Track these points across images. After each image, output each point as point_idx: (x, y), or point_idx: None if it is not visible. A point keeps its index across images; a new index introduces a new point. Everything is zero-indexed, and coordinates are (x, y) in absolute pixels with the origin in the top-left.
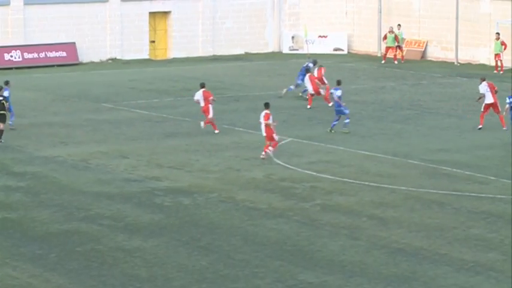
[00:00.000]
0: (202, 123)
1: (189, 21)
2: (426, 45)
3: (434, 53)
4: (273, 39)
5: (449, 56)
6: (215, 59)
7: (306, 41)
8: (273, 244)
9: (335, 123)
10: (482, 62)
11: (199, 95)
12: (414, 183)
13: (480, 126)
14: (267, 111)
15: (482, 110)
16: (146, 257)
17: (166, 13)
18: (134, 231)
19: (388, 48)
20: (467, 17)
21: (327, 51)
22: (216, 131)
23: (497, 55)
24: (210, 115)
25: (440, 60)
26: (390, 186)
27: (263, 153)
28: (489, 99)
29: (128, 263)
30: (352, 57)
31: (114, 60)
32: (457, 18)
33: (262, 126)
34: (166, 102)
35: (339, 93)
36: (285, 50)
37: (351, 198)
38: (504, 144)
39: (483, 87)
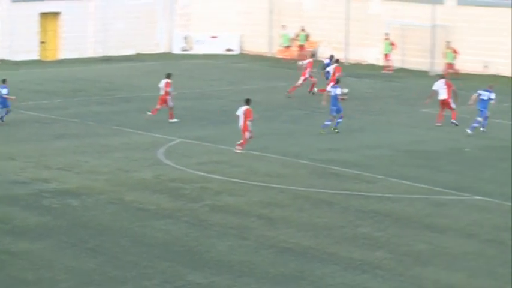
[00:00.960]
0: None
1: (79, 21)
2: (317, 45)
3: (325, 53)
4: (164, 40)
5: (339, 56)
6: (106, 59)
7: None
8: (161, 245)
9: (328, 123)
10: (371, 62)
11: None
12: (303, 183)
13: (439, 124)
14: (247, 107)
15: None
16: (33, 260)
17: (56, 14)
18: (21, 234)
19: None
20: (357, 18)
21: (218, 52)
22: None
23: (386, 55)
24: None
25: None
26: (279, 186)
27: (239, 147)
28: (442, 95)
29: (14, 265)
30: (244, 57)
31: (2, 61)
32: (347, 18)
33: (241, 121)
34: (55, 104)
35: (338, 91)
36: (176, 51)
37: (240, 199)
38: (392, 143)
39: (438, 84)
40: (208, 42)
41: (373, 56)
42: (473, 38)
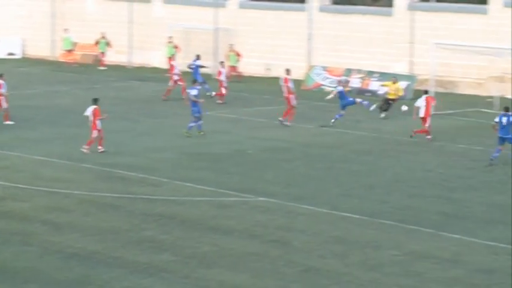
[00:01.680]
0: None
1: None
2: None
3: (109, 57)
4: None
5: (123, 60)
6: None
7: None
8: None
9: (192, 125)
10: (155, 65)
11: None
12: (88, 187)
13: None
14: (95, 106)
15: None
16: None
17: None
18: None
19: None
20: (141, 21)
21: (0, 56)
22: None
23: (170, 58)
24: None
25: (114, 64)
26: (65, 191)
27: (99, 147)
28: (422, 113)
29: None
30: (26, 61)
31: None
32: (130, 22)
33: (91, 120)
34: None
35: (194, 92)
36: None
37: (24, 204)
38: (176, 146)
39: (420, 101)
40: None
41: (157, 59)
42: (256, 41)
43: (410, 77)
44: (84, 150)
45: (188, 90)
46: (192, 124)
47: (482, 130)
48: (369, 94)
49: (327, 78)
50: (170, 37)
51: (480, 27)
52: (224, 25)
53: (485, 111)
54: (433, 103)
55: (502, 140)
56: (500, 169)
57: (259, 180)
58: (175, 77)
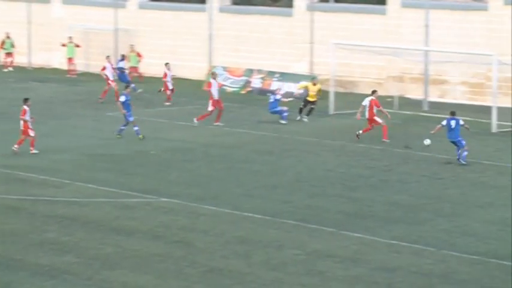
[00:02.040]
0: None
1: None
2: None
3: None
4: None
5: (23, 61)
6: None
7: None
8: None
9: (123, 128)
10: (55, 66)
11: None
12: None
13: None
14: (25, 106)
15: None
16: None
17: None
18: None
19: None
20: (40, 22)
21: None
22: None
23: (70, 59)
24: None
25: (14, 65)
26: None
27: (16, 146)
28: (365, 114)
29: None
30: None
31: None
32: (29, 22)
33: (21, 122)
34: None
35: (122, 98)
36: None
37: None
38: (78, 147)
39: (366, 101)
40: None
41: (57, 60)
42: (156, 42)
43: (310, 77)
44: (14, 149)
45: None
46: (123, 128)
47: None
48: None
49: (228, 78)
50: (70, 37)
51: (379, 28)
52: (124, 25)
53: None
54: (376, 106)
55: (453, 143)
56: (400, 168)
57: (161, 181)
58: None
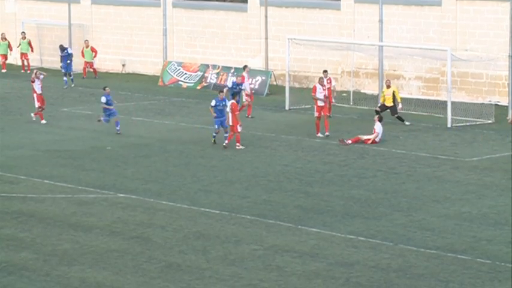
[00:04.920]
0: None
1: None
2: None
3: None
4: None
5: None
6: None
7: None
8: None
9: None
10: (10, 61)
11: None
12: None
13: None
14: None
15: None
16: None
17: None
18: None
19: None
20: None
21: None
22: None
23: (23, 54)
24: None
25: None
26: None
27: None
28: (320, 103)
29: None
30: None
31: None
32: None
33: None
34: None
35: (103, 99)
36: None
37: None
38: (33, 143)
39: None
40: None
41: (11, 55)
42: (111, 37)
43: (265, 72)
44: None
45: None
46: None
47: (338, 125)
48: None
49: (183, 74)
50: (23, 33)
51: (334, 23)
52: (78, 21)
53: (340, 106)
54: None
55: None
56: (357, 163)
57: (118, 176)
58: None
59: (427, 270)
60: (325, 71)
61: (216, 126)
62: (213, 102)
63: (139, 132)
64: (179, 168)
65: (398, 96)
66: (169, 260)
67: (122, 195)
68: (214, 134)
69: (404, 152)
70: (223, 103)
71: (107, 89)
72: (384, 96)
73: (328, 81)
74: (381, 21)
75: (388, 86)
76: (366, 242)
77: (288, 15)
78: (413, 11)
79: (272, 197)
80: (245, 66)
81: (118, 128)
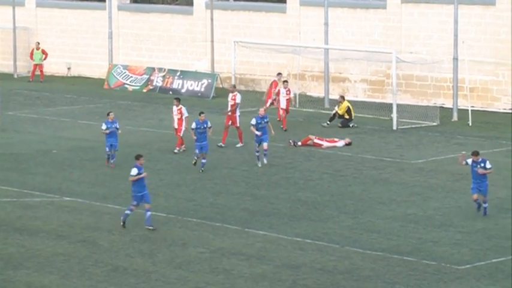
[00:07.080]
0: None
1: None
2: None
3: None
4: None
5: None
6: None
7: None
8: None
9: None
10: None
11: None
12: None
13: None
14: None
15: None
16: None
17: None
18: None
19: None
20: None
21: None
22: None
23: None
24: None
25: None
26: None
27: None
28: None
29: None
30: None
31: None
32: None
33: None
34: None
35: None
36: None
37: None
38: None
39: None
40: None
41: None
42: (56, 40)
43: (211, 75)
44: None
45: None
46: None
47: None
48: (171, 93)
49: (129, 77)
50: None
51: (279, 26)
52: (23, 24)
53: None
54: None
55: None
56: (303, 165)
57: (64, 180)
58: None
59: (373, 272)
60: (285, 81)
61: (197, 151)
62: (193, 125)
63: (85, 135)
64: (125, 172)
65: (353, 112)
66: (116, 264)
67: (68, 198)
68: (195, 158)
69: (350, 154)
70: (204, 126)
71: (111, 114)
72: (342, 108)
73: (288, 92)
74: (326, 24)
75: (342, 100)
76: (312, 244)
77: (233, 18)
78: (359, 14)
79: (219, 199)
80: (279, 73)
81: None
